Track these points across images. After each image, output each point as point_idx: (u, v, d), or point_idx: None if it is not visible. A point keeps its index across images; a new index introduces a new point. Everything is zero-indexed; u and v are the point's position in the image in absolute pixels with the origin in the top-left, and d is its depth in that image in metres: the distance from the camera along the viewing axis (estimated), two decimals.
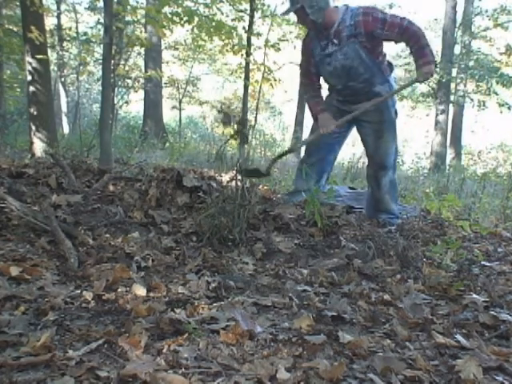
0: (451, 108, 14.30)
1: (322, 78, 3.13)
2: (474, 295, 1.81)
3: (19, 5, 6.79)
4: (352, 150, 8.72)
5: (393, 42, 2.89)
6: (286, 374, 1.12)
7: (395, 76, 3.20)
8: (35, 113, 6.25)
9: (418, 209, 3.77)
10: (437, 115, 13.80)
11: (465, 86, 14.32)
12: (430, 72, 2.78)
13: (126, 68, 12.39)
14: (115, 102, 11.12)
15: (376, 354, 1.27)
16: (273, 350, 1.25)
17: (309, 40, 3.03)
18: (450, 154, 14.26)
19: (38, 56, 6.06)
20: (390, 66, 3.05)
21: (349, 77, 2.94)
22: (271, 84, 8.42)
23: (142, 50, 12.67)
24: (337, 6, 2.94)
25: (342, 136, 3.20)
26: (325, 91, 3.24)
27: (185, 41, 13.62)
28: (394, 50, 15.94)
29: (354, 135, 3.36)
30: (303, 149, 3.32)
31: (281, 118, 19.43)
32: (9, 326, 1.28)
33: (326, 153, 3.17)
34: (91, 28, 12.49)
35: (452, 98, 14.14)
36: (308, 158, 3.22)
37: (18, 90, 12.37)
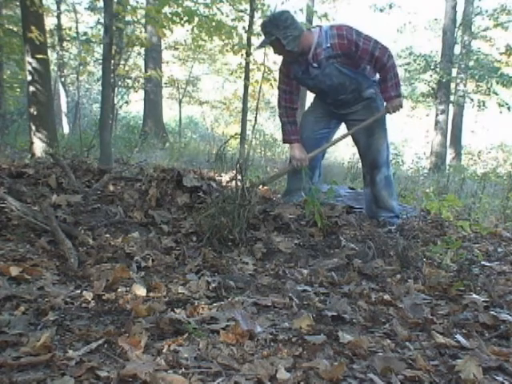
0: (451, 108, 14.30)
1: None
2: (474, 295, 1.80)
3: (19, 5, 6.79)
4: (352, 150, 8.71)
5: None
6: (286, 374, 1.12)
7: None
8: (35, 113, 6.25)
9: (418, 209, 3.77)
10: (437, 115, 13.80)
11: (465, 86, 14.32)
12: (398, 105, 2.93)
13: (126, 68, 12.40)
14: (115, 102, 11.13)
15: (376, 353, 1.27)
16: (273, 350, 1.25)
17: (287, 65, 3.00)
18: (449, 154, 14.27)
19: (38, 56, 6.06)
20: None
21: (337, 92, 2.97)
22: (271, 84, 8.41)
23: (142, 50, 12.69)
24: (309, 29, 2.93)
25: (329, 132, 3.22)
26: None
27: (185, 41, 13.63)
28: (393, 51, 15.92)
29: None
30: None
31: None
32: (9, 326, 1.28)
33: (313, 149, 3.15)
34: (91, 28, 12.53)
35: (452, 98, 14.15)
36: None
37: (18, 90, 12.36)
